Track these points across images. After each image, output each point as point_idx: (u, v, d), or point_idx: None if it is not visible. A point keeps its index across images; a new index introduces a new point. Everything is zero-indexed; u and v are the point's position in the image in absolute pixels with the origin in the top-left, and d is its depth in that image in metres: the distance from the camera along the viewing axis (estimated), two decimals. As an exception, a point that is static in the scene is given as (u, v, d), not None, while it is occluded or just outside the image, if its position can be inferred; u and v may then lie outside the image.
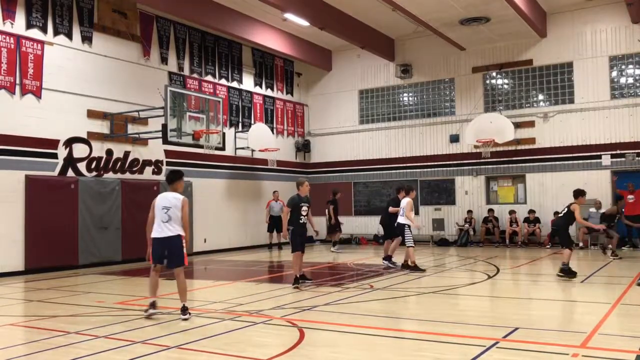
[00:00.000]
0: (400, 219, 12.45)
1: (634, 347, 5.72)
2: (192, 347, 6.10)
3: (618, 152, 17.63)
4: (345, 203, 21.79)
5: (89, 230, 14.56)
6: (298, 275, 10.29)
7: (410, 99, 21.52)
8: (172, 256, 7.75)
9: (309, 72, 22.98)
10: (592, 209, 17.14)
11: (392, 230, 13.09)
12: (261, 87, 20.96)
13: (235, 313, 7.92)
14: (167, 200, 7.94)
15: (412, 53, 20.98)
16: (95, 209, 14.75)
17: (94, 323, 7.39)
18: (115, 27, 15.71)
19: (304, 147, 22.72)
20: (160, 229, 7.75)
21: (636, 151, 17.38)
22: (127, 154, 15.85)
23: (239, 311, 8.05)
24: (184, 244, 7.81)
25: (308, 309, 8.13)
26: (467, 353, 5.61)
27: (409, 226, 12.36)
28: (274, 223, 18.77)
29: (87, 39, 15.02)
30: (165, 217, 7.78)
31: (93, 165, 14.95)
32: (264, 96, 21.11)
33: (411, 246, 12.38)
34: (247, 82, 20.36)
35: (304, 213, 10.30)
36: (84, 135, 14.82)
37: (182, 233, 7.81)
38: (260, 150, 19.71)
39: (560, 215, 11.60)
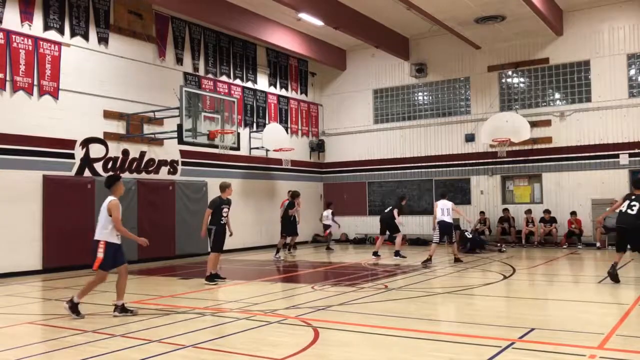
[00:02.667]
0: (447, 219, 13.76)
1: (653, 349, 5.65)
2: (207, 346, 6.13)
3: (636, 151, 17.41)
4: (359, 203, 21.79)
5: (105, 229, 14.65)
6: (213, 273, 11.21)
7: (425, 98, 21.43)
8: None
9: (324, 71, 22.97)
10: (609, 209, 16.93)
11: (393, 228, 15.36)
12: (275, 87, 21.00)
13: (250, 312, 7.94)
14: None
15: (427, 52, 20.89)
16: (112, 209, 14.84)
17: (110, 322, 7.46)
18: (131, 28, 15.84)
19: (318, 147, 22.72)
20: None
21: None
22: (143, 154, 15.97)
23: (254, 310, 8.08)
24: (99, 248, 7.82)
25: (322, 309, 8.13)
26: (483, 353, 5.57)
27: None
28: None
29: (103, 40, 15.15)
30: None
31: (109, 165, 15.09)
32: (279, 96, 21.15)
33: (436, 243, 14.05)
34: (262, 82, 20.41)
35: (224, 214, 11.27)
36: (101, 136, 14.96)
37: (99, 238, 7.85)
38: (274, 150, 19.74)
39: (630, 212, 10.25)
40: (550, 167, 18.73)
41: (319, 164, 22.90)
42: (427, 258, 13.67)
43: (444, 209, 13.82)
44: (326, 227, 19.53)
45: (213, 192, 17.70)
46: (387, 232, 15.85)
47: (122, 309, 7.92)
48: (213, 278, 11.19)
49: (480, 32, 18.65)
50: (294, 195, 16.97)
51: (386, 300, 8.94)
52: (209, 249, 11.63)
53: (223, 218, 11.27)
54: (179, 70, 17.24)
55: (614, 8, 17.83)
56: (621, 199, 11.06)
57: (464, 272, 12.47)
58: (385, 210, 15.83)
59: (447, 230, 13.82)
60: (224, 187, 11.57)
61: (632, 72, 17.75)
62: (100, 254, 7.78)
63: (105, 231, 7.87)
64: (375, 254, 15.59)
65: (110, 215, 7.86)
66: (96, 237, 7.92)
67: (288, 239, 17.19)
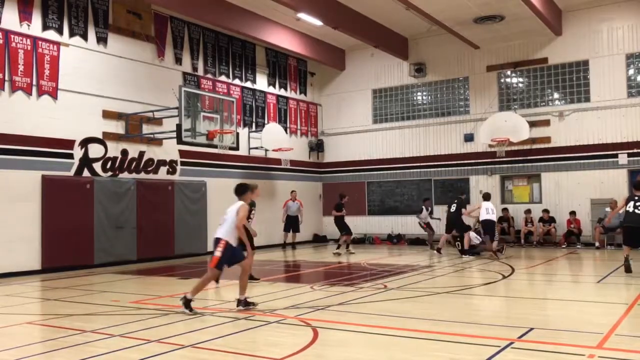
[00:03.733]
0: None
1: (652, 349, 5.66)
2: (206, 346, 6.13)
3: (635, 150, 17.43)
4: (358, 203, 21.77)
5: (104, 229, 14.68)
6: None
7: (424, 98, 21.44)
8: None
9: (323, 71, 22.97)
10: (608, 209, 16.98)
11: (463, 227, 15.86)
12: (275, 87, 21.00)
13: (249, 312, 7.94)
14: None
15: (426, 52, 20.89)
16: (111, 209, 14.87)
17: (109, 322, 7.45)
18: (130, 28, 15.83)
19: (317, 147, 22.73)
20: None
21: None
22: (142, 154, 15.96)
23: (253, 310, 8.07)
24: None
25: (322, 309, 8.13)
26: (482, 353, 5.58)
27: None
28: (291, 222, 18.87)
29: (102, 40, 15.15)
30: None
31: (108, 165, 15.08)
32: (278, 96, 21.15)
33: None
34: (261, 82, 20.40)
35: (252, 216, 11.16)
36: (100, 136, 14.95)
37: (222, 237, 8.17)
38: (273, 150, 19.75)
39: (637, 211, 10.93)
40: (549, 167, 18.74)
41: (318, 163, 22.90)
42: (439, 248, 15.96)
43: (488, 208, 14.99)
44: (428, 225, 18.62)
45: (212, 192, 17.76)
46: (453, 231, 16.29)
47: (245, 303, 8.10)
48: (251, 277, 10.68)
49: (479, 32, 18.66)
50: (342, 196, 17.55)
51: (385, 300, 8.94)
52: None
53: (250, 220, 10.83)
54: (178, 70, 17.23)
55: (613, 8, 17.85)
56: (623, 200, 11.75)
57: (463, 272, 12.48)
58: (451, 209, 16.10)
59: (490, 227, 14.90)
60: (252, 189, 10.69)
61: (631, 72, 17.77)
62: (218, 253, 8.05)
63: (229, 231, 8.14)
64: (439, 250, 16.12)
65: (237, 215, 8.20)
66: (218, 235, 8.17)
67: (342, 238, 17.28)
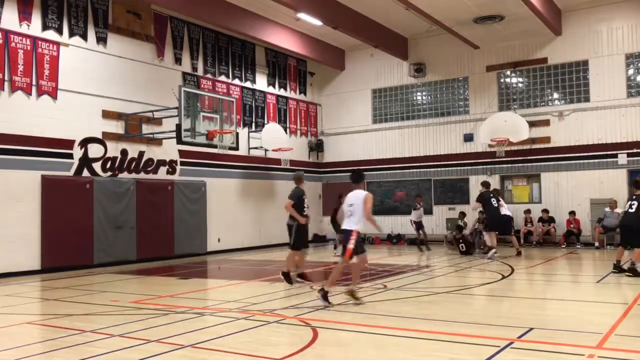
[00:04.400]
0: None
1: (651, 348, 5.67)
2: (205, 346, 6.13)
3: (634, 150, 17.44)
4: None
5: (104, 229, 14.68)
6: (286, 272, 10.40)
7: (424, 98, 21.44)
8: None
9: (322, 71, 22.97)
10: (607, 209, 17.00)
11: None
12: (274, 87, 21.00)
13: (249, 312, 7.94)
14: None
15: (425, 52, 20.90)
16: (111, 209, 14.87)
17: (109, 322, 7.45)
18: (129, 28, 15.83)
19: (317, 147, 22.73)
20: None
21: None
22: (141, 154, 15.96)
23: (253, 310, 8.07)
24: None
25: (321, 309, 8.13)
26: (482, 353, 5.58)
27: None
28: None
29: (101, 40, 15.14)
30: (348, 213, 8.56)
31: (108, 165, 15.08)
32: (277, 96, 21.15)
33: None
34: (261, 82, 20.40)
35: (306, 206, 10.50)
36: (99, 136, 14.95)
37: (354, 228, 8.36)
38: (273, 150, 19.76)
39: (630, 210, 10.93)
40: (549, 167, 18.74)
41: (318, 163, 22.90)
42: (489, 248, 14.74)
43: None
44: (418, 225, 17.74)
45: (212, 192, 17.77)
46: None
47: (324, 297, 8.21)
48: (288, 276, 10.36)
49: (478, 32, 18.67)
50: (340, 195, 16.95)
51: (385, 300, 8.95)
52: (291, 247, 10.54)
53: (305, 209, 10.41)
54: (178, 70, 17.23)
55: (613, 8, 17.85)
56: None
57: (462, 272, 12.48)
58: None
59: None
60: (299, 178, 10.76)
61: (631, 72, 17.77)
62: (351, 245, 8.25)
63: (359, 222, 8.37)
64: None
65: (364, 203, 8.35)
66: (348, 227, 8.39)
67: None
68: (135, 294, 10.09)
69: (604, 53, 17.99)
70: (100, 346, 6.17)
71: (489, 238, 14.91)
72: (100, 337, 6.59)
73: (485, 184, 15.68)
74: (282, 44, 19.39)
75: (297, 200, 10.32)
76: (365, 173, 9.49)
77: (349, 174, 9.41)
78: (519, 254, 14.99)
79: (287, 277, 10.32)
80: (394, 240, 21.01)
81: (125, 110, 15.51)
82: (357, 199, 8.46)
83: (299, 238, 10.41)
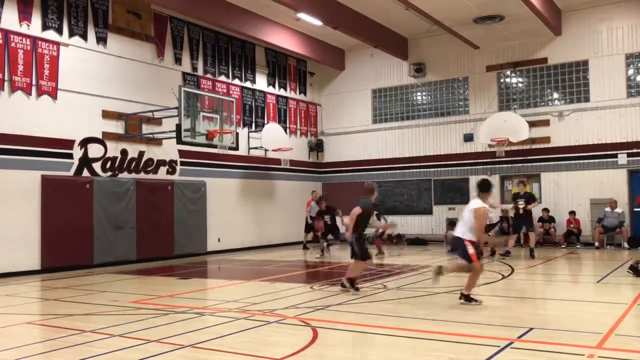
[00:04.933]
0: None
1: (651, 348, 5.67)
2: (205, 346, 6.13)
3: (634, 150, 17.43)
4: (356, 203, 21.71)
5: (104, 229, 14.68)
6: (349, 279, 9.57)
7: (424, 98, 21.44)
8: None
9: (322, 71, 22.97)
10: (607, 209, 17.00)
11: None
12: (274, 87, 21.00)
13: (249, 312, 7.94)
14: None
15: (425, 52, 20.90)
16: (111, 209, 14.87)
17: (109, 322, 7.45)
18: (129, 28, 15.83)
19: (317, 147, 22.73)
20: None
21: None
22: (141, 154, 15.96)
23: (253, 310, 8.07)
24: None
25: (321, 309, 8.14)
26: (482, 353, 5.58)
27: None
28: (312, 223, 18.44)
29: (101, 40, 15.14)
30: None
31: (108, 165, 15.08)
32: (277, 96, 21.15)
33: None
34: (261, 82, 20.40)
35: (371, 221, 10.18)
36: (99, 136, 14.95)
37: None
38: (273, 150, 19.76)
39: None
40: (549, 166, 18.74)
41: (318, 163, 22.90)
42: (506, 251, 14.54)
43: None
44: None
45: (212, 192, 17.76)
46: None
47: (467, 298, 8.23)
48: (348, 284, 9.58)
49: (478, 32, 18.66)
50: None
51: (385, 300, 8.94)
52: (358, 258, 9.53)
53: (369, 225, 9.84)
54: (178, 70, 17.23)
55: (613, 8, 17.85)
56: None
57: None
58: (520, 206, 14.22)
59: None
60: (372, 190, 9.93)
61: (630, 72, 17.77)
62: (471, 249, 8.17)
63: (467, 231, 8.25)
64: (507, 254, 14.35)
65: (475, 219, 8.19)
66: (460, 235, 8.29)
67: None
68: (135, 294, 10.09)
69: (604, 53, 17.99)
70: (100, 346, 6.17)
71: (512, 240, 14.98)
72: (100, 337, 6.59)
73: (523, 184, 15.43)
74: (282, 44, 19.39)
75: (365, 214, 9.56)
76: (491, 182, 8.80)
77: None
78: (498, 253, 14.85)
79: (352, 284, 9.52)
80: (394, 240, 20.97)
81: (125, 110, 15.51)
82: (470, 210, 8.24)
83: (364, 248, 9.55)
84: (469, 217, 8.24)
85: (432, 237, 19.99)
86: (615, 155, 17.68)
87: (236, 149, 16.66)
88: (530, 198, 14.78)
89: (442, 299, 9.06)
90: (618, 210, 16.85)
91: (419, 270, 12.47)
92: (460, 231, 8.35)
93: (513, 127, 17.41)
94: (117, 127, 15.39)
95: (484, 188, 8.56)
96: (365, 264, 9.73)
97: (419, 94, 21.53)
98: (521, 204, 14.49)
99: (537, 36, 18.67)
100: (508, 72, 19.78)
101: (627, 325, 6.89)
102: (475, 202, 8.34)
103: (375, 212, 14.55)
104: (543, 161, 18.82)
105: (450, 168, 20.46)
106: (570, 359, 5.44)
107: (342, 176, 22.44)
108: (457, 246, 8.39)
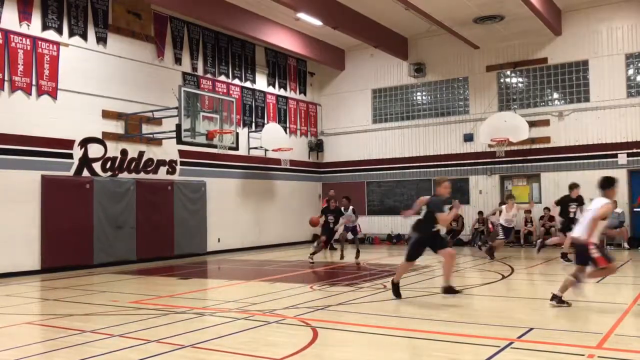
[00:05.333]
0: None
1: (651, 349, 5.67)
2: (205, 346, 6.13)
3: (634, 150, 17.43)
4: (358, 203, 21.74)
5: (104, 229, 14.68)
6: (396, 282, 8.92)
7: (424, 98, 21.44)
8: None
9: (322, 71, 22.97)
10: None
11: None
12: (274, 87, 21.00)
13: (249, 312, 7.94)
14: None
15: (425, 52, 20.90)
16: (111, 209, 14.87)
17: (108, 322, 7.45)
18: (129, 28, 15.83)
19: (317, 147, 22.73)
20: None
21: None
22: (141, 154, 15.96)
23: (253, 310, 8.08)
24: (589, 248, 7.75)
25: (321, 309, 8.14)
26: (481, 353, 5.58)
27: None
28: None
29: (101, 40, 15.14)
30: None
31: (108, 165, 15.08)
32: (277, 96, 21.15)
33: None
34: (261, 82, 20.40)
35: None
36: (99, 136, 14.95)
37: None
38: (273, 150, 19.76)
39: None
40: (549, 166, 18.74)
41: (318, 163, 22.90)
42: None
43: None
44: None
45: (212, 193, 17.76)
46: None
47: (559, 300, 7.94)
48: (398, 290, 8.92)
49: (478, 32, 18.67)
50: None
51: (385, 300, 8.94)
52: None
53: (436, 225, 8.72)
54: (178, 70, 17.23)
55: (612, 8, 17.85)
56: None
57: (463, 272, 12.48)
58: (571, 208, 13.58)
59: None
60: (439, 183, 9.08)
61: (630, 72, 17.77)
62: (596, 253, 7.65)
63: (586, 231, 7.75)
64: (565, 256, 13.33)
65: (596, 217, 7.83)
66: (579, 236, 7.79)
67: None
68: (135, 294, 10.09)
69: (604, 53, 17.99)
70: (100, 346, 6.17)
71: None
72: (100, 337, 6.59)
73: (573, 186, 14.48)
74: (282, 44, 19.39)
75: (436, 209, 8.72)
76: (612, 179, 8.42)
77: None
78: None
79: (396, 289, 8.93)
80: (394, 240, 21.01)
81: (125, 110, 15.51)
82: (595, 209, 7.81)
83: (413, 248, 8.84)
84: (590, 216, 7.76)
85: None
86: (615, 155, 17.67)
87: (236, 149, 16.66)
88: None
89: (441, 300, 9.05)
90: (618, 210, 16.85)
91: (419, 270, 12.45)
92: (578, 231, 7.91)
93: (513, 127, 17.42)
94: (117, 127, 15.39)
95: (607, 185, 8.21)
96: (412, 265, 9.00)
97: (419, 94, 21.53)
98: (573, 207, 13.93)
99: (537, 36, 18.67)
100: (508, 72, 19.78)
101: (628, 325, 6.89)
102: (600, 201, 7.94)
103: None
104: (543, 161, 18.82)
105: (450, 168, 20.44)
106: (570, 358, 5.43)
107: (342, 176, 22.44)
108: (579, 251, 7.89)
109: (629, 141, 17.53)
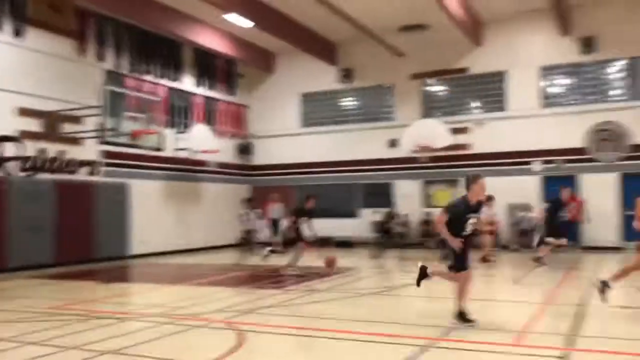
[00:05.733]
0: None
1: (559, 344, 6.03)
2: (128, 351, 5.97)
3: (548, 158, 18.44)
4: (288, 206, 21.79)
5: (20, 232, 13.95)
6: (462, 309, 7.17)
7: (352, 103, 21.79)
8: None
9: (252, 73, 22.84)
10: (523, 213, 17.91)
11: None
12: (203, 87, 20.69)
13: (175, 317, 7.79)
14: None
15: (353, 58, 21.24)
16: (27, 210, 14.15)
17: (21, 329, 7.10)
18: (50, 22, 15.14)
19: (246, 149, 22.58)
20: None
21: (564, 158, 18.23)
22: (61, 153, 15.30)
23: (179, 314, 7.93)
24: None
25: (249, 312, 8.10)
26: (404, 352, 5.74)
27: None
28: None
29: (19, 33, 14.41)
30: None
31: (25, 165, 14.35)
32: (206, 97, 20.86)
33: None
34: (188, 82, 20.06)
35: (470, 225, 7.14)
36: (15, 134, 14.20)
37: None
38: (200, 152, 19.43)
39: None
40: (469, 172, 19.41)
41: (247, 166, 22.75)
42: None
43: None
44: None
45: (136, 194, 17.23)
46: None
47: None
48: (465, 317, 7.10)
49: (404, 40, 19.17)
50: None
51: (313, 302, 9.01)
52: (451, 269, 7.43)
53: (465, 231, 7.11)
54: (102, 68, 16.66)
55: (530, 22, 18.72)
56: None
57: (387, 275, 12.76)
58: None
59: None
60: (473, 179, 7.37)
61: (544, 83, 18.80)
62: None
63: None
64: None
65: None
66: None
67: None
68: (52, 298, 9.67)
69: (521, 65, 18.93)
70: (11, 357, 5.87)
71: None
72: (11, 346, 6.26)
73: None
74: (210, 45, 19.13)
75: (453, 216, 7.09)
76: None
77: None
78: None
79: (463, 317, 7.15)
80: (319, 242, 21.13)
81: (45, 108, 14.82)
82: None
83: (460, 257, 7.23)
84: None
85: (358, 240, 20.26)
86: (529, 163, 18.64)
87: (161, 149, 16.30)
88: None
89: (367, 301, 9.22)
90: (532, 214, 17.74)
91: (346, 272, 12.62)
92: None
93: (435, 134, 17.97)
94: (35, 125, 14.68)
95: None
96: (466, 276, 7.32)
97: (347, 99, 21.85)
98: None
99: (459, 46, 19.35)
100: (432, 81, 20.42)
101: (540, 323, 7.28)
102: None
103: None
104: (464, 167, 19.48)
105: (376, 172, 20.86)
106: (488, 356, 5.68)
107: (272, 179, 22.37)
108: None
109: (542, 149, 18.51)
